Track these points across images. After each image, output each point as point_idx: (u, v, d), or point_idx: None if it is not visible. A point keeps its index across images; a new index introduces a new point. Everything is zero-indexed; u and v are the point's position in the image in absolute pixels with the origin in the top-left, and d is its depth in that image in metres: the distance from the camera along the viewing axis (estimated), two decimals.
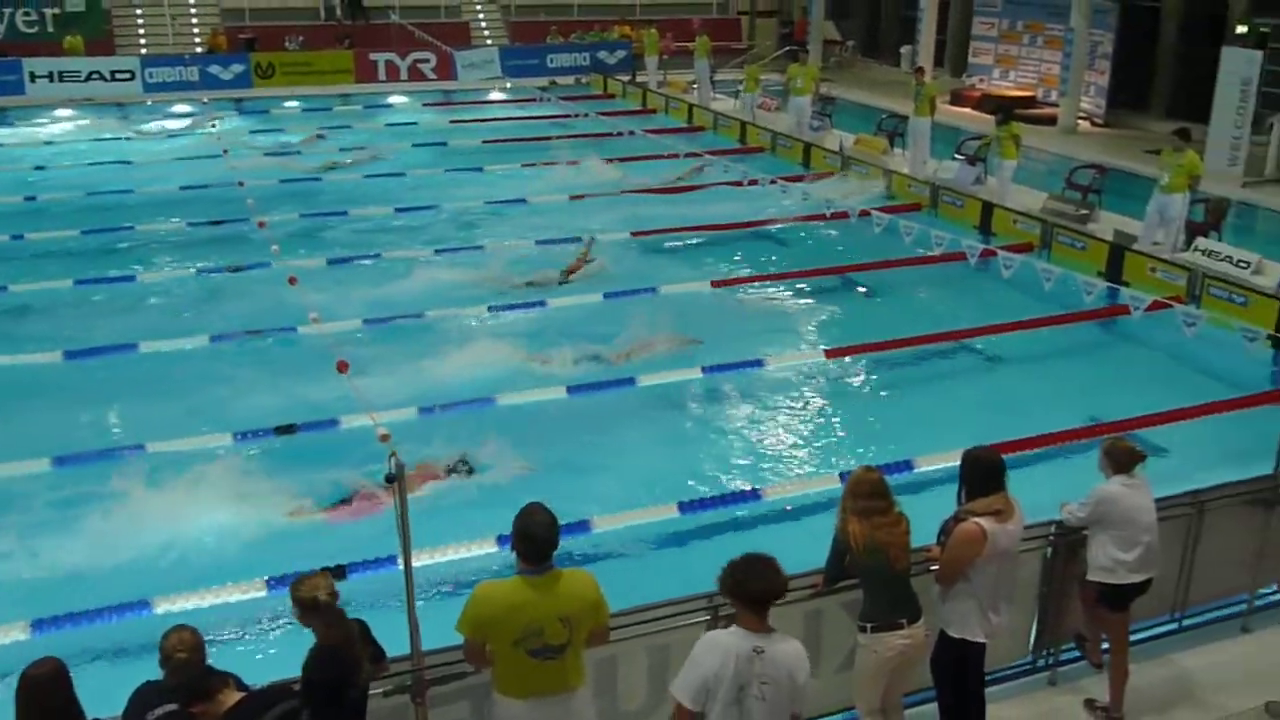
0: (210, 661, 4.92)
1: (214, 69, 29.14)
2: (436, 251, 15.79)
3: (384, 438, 5.68)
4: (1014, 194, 17.77)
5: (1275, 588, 7.60)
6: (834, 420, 10.93)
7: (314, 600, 4.79)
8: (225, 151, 21.54)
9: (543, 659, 4.96)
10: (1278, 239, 17.33)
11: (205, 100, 27.65)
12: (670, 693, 4.84)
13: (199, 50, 30.89)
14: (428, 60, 30.56)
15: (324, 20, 32.85)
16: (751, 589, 4.72)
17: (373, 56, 30.40)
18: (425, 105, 28.55)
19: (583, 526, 8.43)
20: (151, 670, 4.84)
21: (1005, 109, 18.97)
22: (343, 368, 8.58)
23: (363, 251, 15.76)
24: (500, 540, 7.88)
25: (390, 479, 4.91)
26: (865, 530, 5.62)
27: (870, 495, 5.66)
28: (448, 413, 10.42)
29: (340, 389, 9.26)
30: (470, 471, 9.41)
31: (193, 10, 32.42)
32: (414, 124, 26.02)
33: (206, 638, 4.96)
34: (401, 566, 5.12)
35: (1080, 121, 24.92)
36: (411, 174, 20.50)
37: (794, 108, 23.23)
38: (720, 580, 4.84)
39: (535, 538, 4.93)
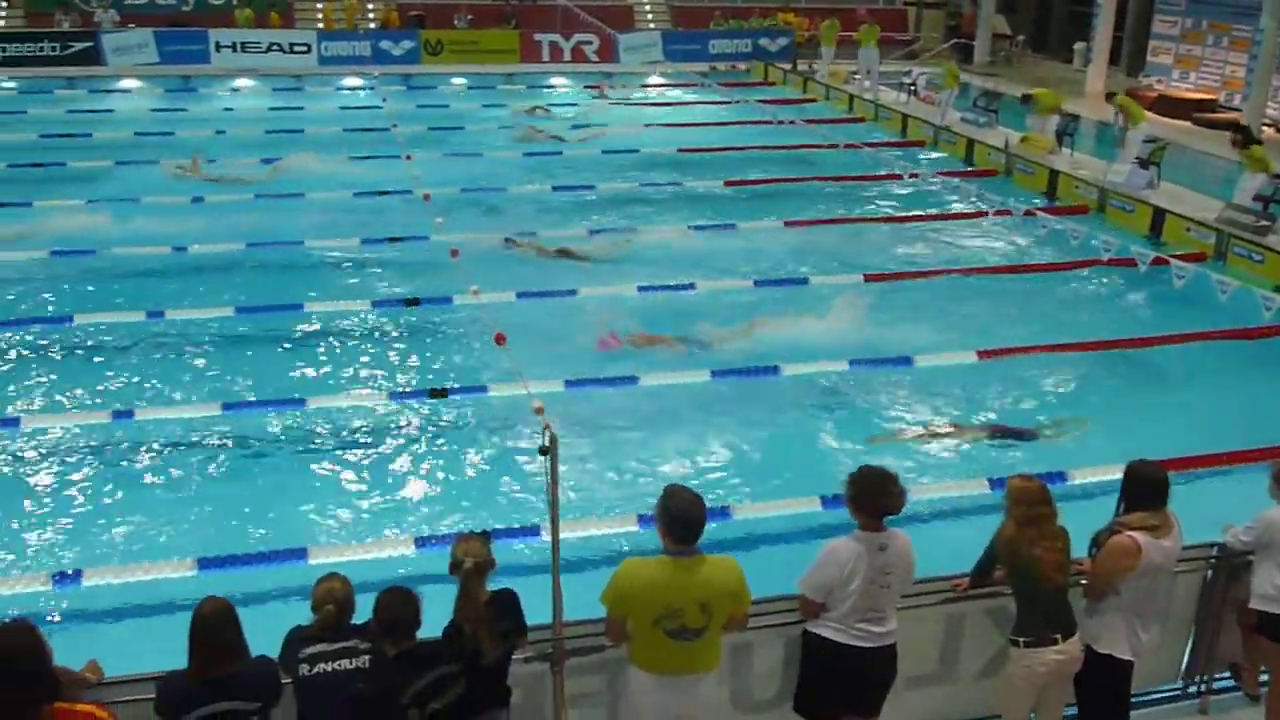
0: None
1: (385, 44, 30.00)
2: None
3: (538, 410, 5.79)
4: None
5: None
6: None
7: (458, 565, 4.93)
8: (394, 125, 22.04)
9: (680, 640, 5.03)
10: None
11: (376, 74, 28.45)
12: (797, 585, 5.47)
13: (372, 26, 31.83)
14: (590, 42, 30.89)
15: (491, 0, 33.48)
16: (877, 503, 5.29)
17: (537, 37, 30.89)
18: (585, 88, 28.82)
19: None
20: None
21: (1246, 133, 17.74)
22: (500, 340, 8.70)
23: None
24: None
25: (544, 451, 5.01)
26: (1020, 541, 5.46)
27: (1032, 503, 5.49)
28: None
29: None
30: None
31: None
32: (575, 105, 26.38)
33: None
34: (549, 537, 5.24)
35: (1265, 128, 23.66)
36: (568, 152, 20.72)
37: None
38: (846, 490, 5.40)
39: (686, 518, 5.00)
